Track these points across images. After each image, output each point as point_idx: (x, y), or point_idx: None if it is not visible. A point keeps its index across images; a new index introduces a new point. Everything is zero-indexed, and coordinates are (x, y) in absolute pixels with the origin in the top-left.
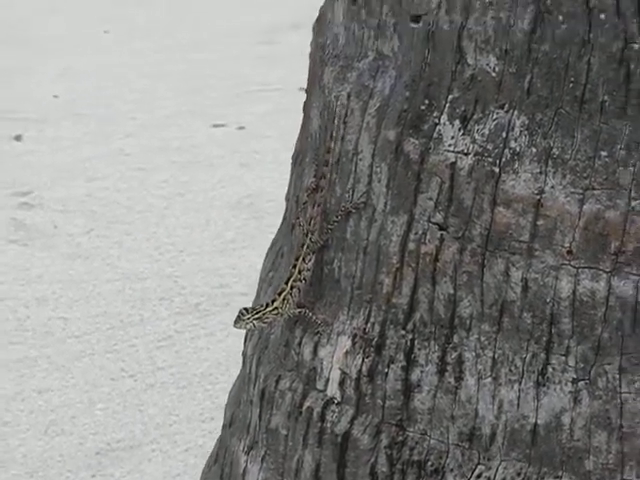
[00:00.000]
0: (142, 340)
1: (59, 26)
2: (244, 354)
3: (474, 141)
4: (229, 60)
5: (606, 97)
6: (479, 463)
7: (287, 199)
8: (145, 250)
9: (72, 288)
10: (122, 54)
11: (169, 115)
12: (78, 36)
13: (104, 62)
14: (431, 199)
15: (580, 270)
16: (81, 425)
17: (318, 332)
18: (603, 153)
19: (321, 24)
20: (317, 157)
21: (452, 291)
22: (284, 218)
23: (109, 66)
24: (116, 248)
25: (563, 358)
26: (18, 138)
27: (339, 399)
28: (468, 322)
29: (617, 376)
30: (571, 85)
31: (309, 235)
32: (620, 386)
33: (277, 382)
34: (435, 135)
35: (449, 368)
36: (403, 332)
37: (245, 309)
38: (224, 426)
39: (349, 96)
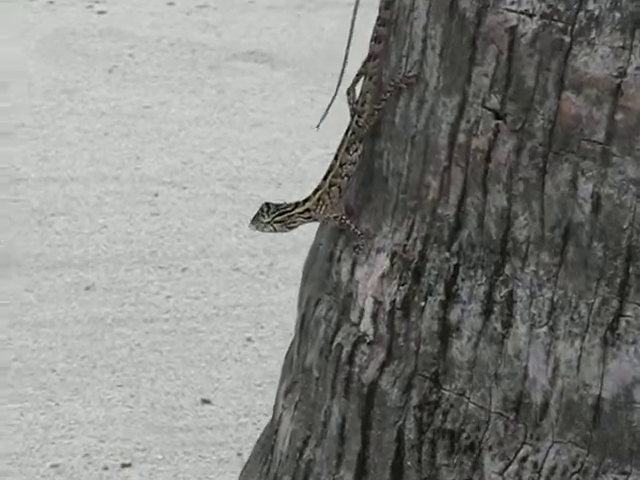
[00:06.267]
0: None
1: None
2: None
3: None
4: None
5: None
6: (525, 442)
7: None
8: None
9: None
10: None
11: None
12: None
13: None
14: (486, 75)
15: None
16: None
17: (357, 247)
18: None
19: None
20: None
21: (506, 204)
22: None
23: None
24: None
25: None
26: None
27: (371, 337)
28: (524, 248)
29: None
30: None
31: (355, 117)
32: None
33: (315, 307)
34: None
35: (496, 309)
36: (447, 254)
37: (267, 205)
38: None
39: None
